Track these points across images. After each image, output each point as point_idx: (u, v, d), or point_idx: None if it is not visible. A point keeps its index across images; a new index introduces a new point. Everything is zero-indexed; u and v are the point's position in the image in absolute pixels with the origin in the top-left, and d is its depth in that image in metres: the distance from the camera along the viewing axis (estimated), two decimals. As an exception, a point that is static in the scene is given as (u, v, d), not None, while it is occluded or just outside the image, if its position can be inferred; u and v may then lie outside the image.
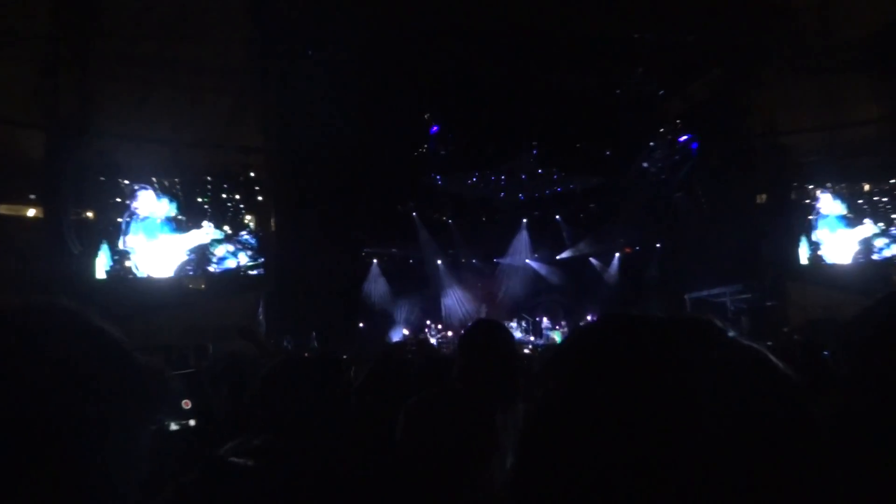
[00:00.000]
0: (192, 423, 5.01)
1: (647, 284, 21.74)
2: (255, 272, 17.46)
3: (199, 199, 16.96)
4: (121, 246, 15.91)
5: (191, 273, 16.84)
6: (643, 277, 22.13)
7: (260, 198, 17.63)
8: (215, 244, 17.04)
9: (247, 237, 17.41)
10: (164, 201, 16.48)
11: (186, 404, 5.11)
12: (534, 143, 20.55)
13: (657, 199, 21.08)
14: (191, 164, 16.63)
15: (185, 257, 16.69)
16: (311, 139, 17.00)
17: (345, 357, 8.86)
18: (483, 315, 24.07)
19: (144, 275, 16.25)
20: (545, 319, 22.31)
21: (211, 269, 17.01)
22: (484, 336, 2.88)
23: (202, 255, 16.93)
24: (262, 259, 17.49)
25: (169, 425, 4.78)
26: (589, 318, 21.75)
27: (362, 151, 18.23)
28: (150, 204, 16.33)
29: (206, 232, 16.93)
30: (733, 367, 0.59)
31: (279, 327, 17.08)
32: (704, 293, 18.10)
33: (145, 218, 16.26)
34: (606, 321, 0.68)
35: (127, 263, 16.02)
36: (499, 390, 2.68)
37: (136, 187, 16.13)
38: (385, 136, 18.21)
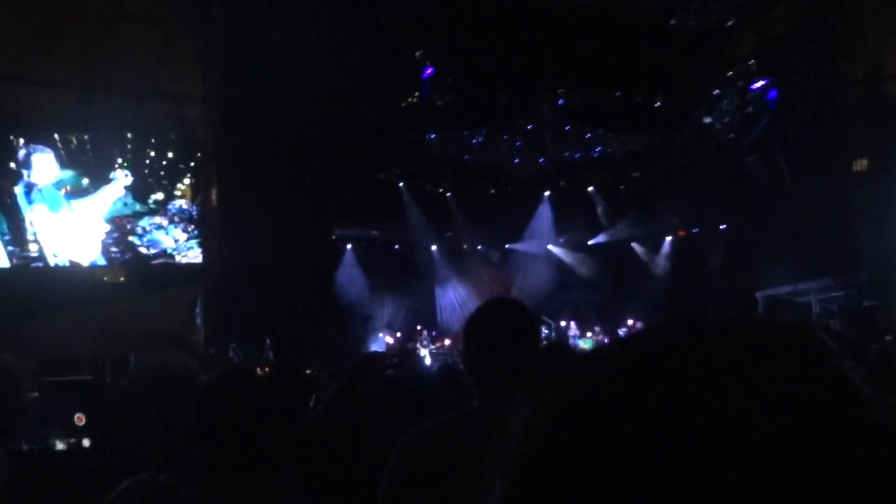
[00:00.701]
0: (85, 442, 5.02)
1: (707, 279, 21.74)
2: (191, 258, 17.48)
3: (119, 161, 16.98)
4: (25, 224, 16.00)
5: (117, 256, 16.93)
6: (703, 269, 22.10)
7: (196, 160, 17.59)
8: (141, 216, 17.12)
9: (182, 206, 17.45)
10: (68, 172, 16.55)
11: (80, 420, 5.10)
12: (560, 90, 20.44)
13: (722, 166, 21.04)
14: (105, 117, 16.54)
15: (103, 234, 16.78)
16: (264, 85, 16.93)
17: (308, 372, 8.80)
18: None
19: (64, 262, 16.40)
20: (573, 325, 22.32)
21: (141, 248, 17.08)
22: (497, 321, 2.69)
23: (124, 229, 16.99)
24: (200, 237, 17.55)
25: (55, 444, 4.79)
26: (630, 323, 21.74)
27: (332, 101, 18.16)
28: (50, 171, 16.34)
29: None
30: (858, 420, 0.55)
31: (223, 333, 17.13)
32: (783, 290, 18.11)
33: (45, 187, 16.28)
34: (658, 331, 0.63)
35: (31, 246, 16.07)
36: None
37: (30, 150, 16.11)
38: (363, 81, 18.14)
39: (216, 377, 2.88)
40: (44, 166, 16.26)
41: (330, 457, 3.61)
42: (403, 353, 18.96)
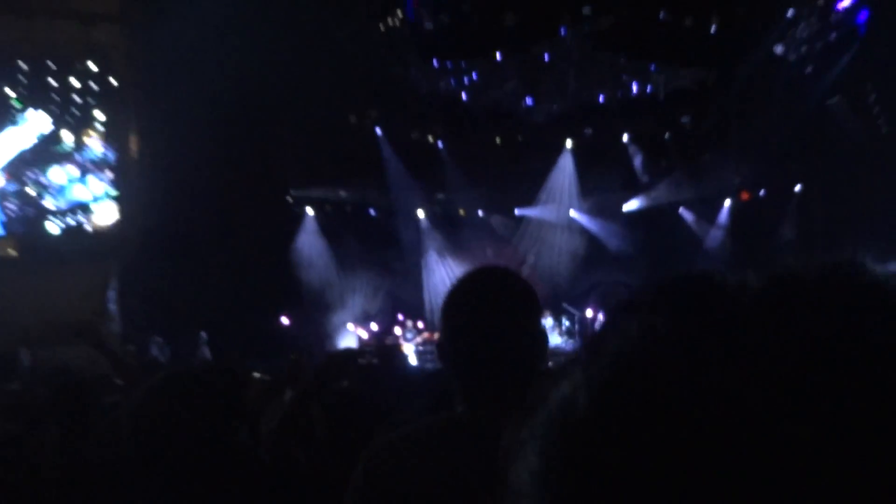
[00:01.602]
0: None
1: (777, 255, 21.66)
2: (104, 219, 17.54)
3: (11, 98, 17.03)
4: None
5: (14, 213, 16.99)
6: (771, 243, 22.23)
7: (111, 96, 17.60)
8: (46, 163, 17.17)
9: (100, 152, 17.50)
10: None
11: None
12: (585, 9, 20.41)
13: (798, 110, 21.04)
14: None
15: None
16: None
17: (256, 375, 8.80)
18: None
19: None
20: (601, 315, 22.31)
21: (48, 204, 17.14)
22: (483, 299, 2.55)
23: (24, 180, 17.05)
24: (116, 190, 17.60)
25: None
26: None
27: (289, 22, 18.08)
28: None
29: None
30: None
31: (143, 323, 17.12)
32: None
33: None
34: (680, 282, 0.70)
35: None
36: (509, 403, 2.33)
37: None
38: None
39: (157, 382, 2.82)
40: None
41: (284, 483, 3.60)
42: (382, 350, 18.89)
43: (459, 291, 2.59)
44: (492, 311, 2.49)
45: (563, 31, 20.92)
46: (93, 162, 17.58)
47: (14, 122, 17.02)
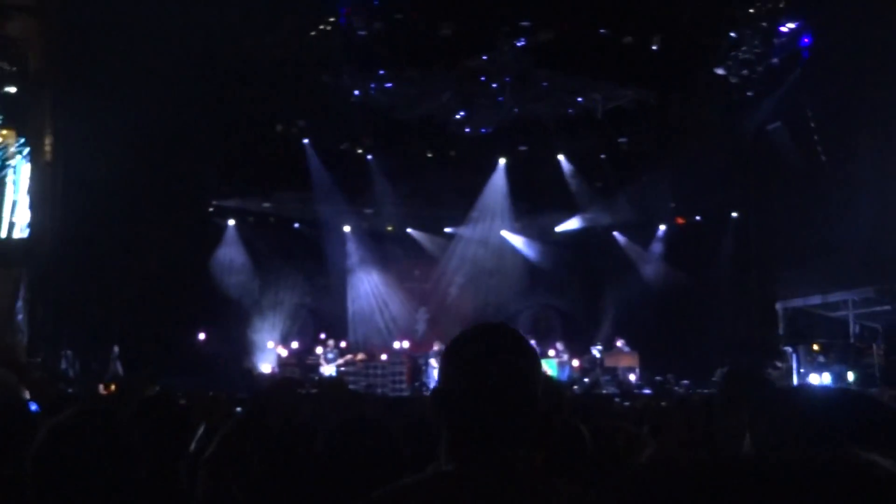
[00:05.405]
0: None
1: (712, 282, 21.91)
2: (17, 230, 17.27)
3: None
4: None
5: None
6: (707, 270, 22.23)
7: (23, 92, 17.37)
8: None
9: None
10: None
11: None
12: (524, 23, 20.45)
13: (737, 134, 21.13)
14: None
15: None
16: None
17: (181, 401, 8.75)
18: (421, 326, 23.97)
19: None
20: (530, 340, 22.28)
21: None
22: (493, 358, 2.53)
23: None
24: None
25: None
26: (615, 341, 21.82)
27: (214, 26, 17.92)
28: None
29: None
30: None
31: (52, 335, 16.90)
32: (811, 301, 18.26)
33: None
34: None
35: None
36: (505, 462, 2.41)
37: None
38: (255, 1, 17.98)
39: (67, 417, 2.62)
40: None
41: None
42: (323, 383, 18.48)
43: (468, 342, 2.60)
44: (504, 373, 2.50)
45: (499, 45, 20.82)
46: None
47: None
